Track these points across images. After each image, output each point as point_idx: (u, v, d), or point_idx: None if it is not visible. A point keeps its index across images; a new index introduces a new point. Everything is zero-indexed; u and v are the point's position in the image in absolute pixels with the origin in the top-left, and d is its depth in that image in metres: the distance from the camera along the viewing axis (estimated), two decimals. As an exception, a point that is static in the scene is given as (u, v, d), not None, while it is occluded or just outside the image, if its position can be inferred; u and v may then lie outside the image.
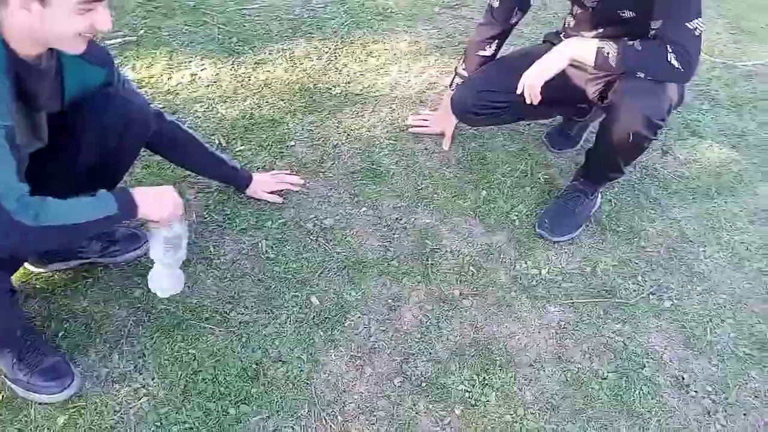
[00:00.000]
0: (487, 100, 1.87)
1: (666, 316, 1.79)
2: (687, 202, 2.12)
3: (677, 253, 1.96)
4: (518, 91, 1.70)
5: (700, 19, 1.54)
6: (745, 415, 1.60)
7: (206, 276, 1.74)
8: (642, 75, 1.59)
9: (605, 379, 1.63)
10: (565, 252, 1.91)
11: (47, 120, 1.33)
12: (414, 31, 2.62)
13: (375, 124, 2.21)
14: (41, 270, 1.67)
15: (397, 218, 1.93)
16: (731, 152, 2.34)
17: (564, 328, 1.73)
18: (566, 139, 2.23)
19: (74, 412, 1.43)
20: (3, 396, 1.45)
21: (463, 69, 1.99)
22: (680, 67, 1.55)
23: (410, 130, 2.19)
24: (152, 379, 1.51)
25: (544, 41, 2.01)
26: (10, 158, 1.14)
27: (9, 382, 1.45)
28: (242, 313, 1.66)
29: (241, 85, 2.28)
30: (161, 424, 1.43)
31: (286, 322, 1.66)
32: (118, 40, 2.37)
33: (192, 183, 1.93)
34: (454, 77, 2.03)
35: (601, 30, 1.78)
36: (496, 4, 1.88)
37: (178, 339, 1.59)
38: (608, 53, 1.60)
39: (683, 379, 1.65)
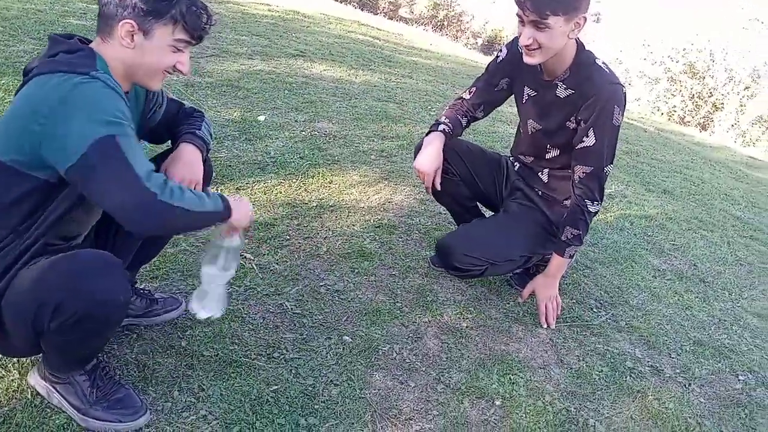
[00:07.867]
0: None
1: (626, 331, 2.20)
2: (605, 266, 2.68)
3: (615, 295, 2.45)
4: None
5: (611, 165, 1.94)
6: (711, 384, 1.99)
7: (242, 330, 1.86)
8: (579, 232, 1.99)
9: (601, 372, 1.95)
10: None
11: None
12: (360, 170, 3.17)
13: (353, 223, 2.59)
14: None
15: (394, 281, 2.23)
16: (618, 236, 3.01)
17: (556, 343, 2.06)
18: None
19: (152, 433, 1.44)
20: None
21: (445, 119, 2.14)
22: (597, 208, 1.96)
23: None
24: (217, 407, 1.56)
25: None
26: (142, 150, 1.23)
27: (81, 417, 1.42)
28: (284, 355, 1.80)
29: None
30: (241, 435, 1.48)
31: (327, 356, 1.81)
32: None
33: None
34: (433, 125, 2.14)
35: (531, 158, 2.16)
36: (467, 96, 2.18)
37: (232, 375, 1.67)
38: (572, 254, 2.06)
39: (658, 367, 2.02)
